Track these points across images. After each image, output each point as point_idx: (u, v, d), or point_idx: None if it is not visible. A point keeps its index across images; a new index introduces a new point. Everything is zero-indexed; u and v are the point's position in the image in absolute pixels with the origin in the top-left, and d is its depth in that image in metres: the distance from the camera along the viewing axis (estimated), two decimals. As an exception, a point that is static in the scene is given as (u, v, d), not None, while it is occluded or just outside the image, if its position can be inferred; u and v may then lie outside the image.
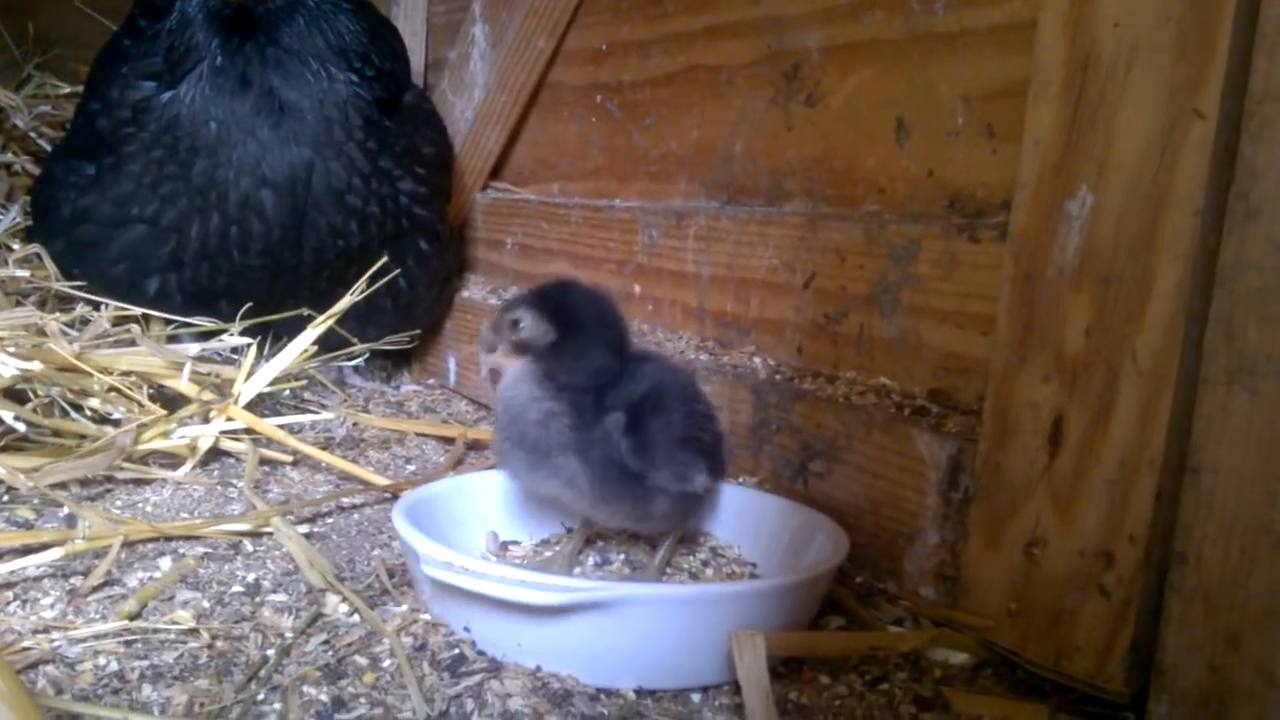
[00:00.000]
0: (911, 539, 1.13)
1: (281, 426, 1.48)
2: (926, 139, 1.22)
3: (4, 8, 2.51)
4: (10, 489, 1.26)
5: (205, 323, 1.63)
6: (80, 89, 2.49)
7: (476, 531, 1.20)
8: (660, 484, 1.07)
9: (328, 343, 1.63)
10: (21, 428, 1.23)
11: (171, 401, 1.50)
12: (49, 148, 2.23)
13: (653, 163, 1.71)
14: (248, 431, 1.48)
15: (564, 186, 1.97)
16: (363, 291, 1.58)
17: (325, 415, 1.62)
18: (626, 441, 1.06)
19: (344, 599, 1.05)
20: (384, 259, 1.64)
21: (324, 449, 1.51)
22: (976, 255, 1.12)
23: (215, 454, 1.50)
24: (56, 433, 1.36)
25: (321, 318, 1.55)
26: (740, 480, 1.35)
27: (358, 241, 1.69)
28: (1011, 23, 1.09)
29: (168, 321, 1.67)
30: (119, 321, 1.60)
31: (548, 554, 1.20)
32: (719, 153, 1.56)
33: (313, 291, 1.71)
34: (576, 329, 1.09)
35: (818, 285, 1.34)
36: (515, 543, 1.22)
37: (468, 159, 2.08)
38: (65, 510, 1.21)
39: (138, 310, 1.62)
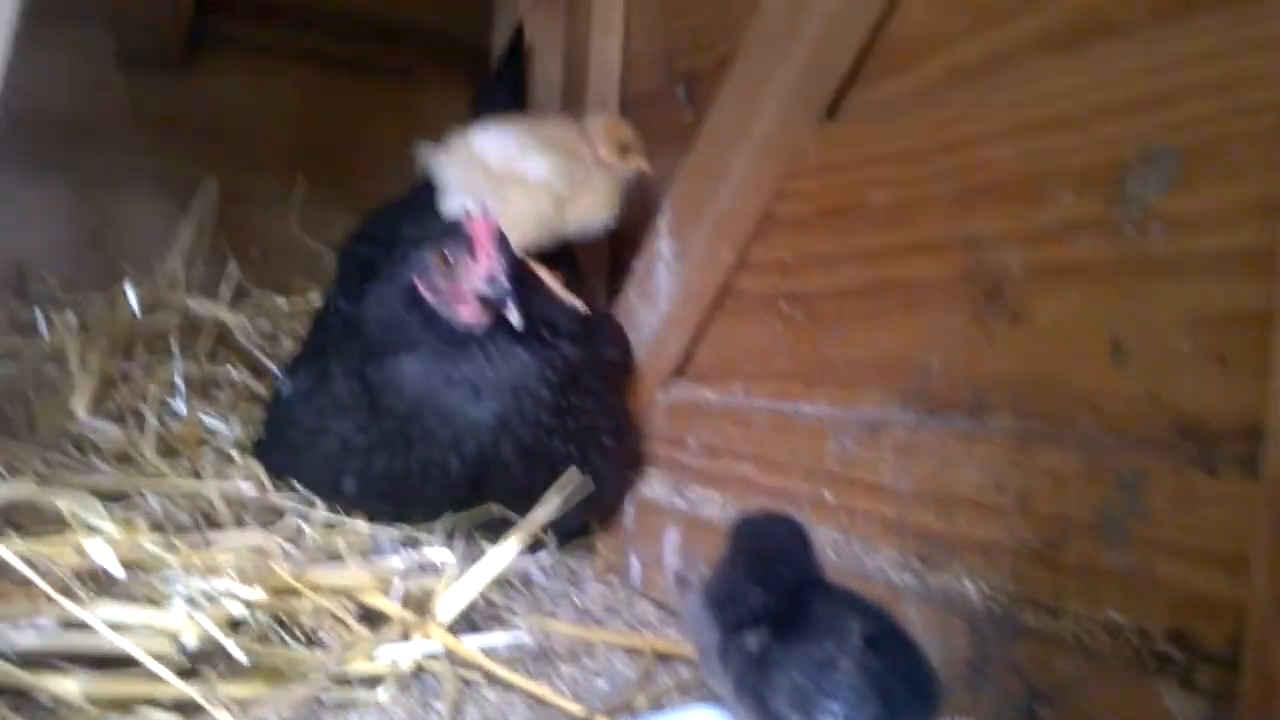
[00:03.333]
0: (1166, 808, 1.02)
1: (481, 649, 1.48)
2: (1147, 362, 1.17)
3: (230, 228, 2.76)
4: None
5: (403, 530, 1.70)
6: (294, 300, 2.73)
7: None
8: (779, 712, 1.03)
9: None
10: (244, 659, 1.26)
11: (369, 616, 1.54)
12: (266, 360, 2.41)
13: (841, 370, 1.70)
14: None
15: (748, 387, 1.97)
16: (555, 505, 1.60)
17: (517, 633, 1.62)
18: (751, 658, 1.07)
19: None
20: (573, 470, 1.67)
21: (516, 660, 1.51)
22: (1215, 488, 1.05)
23: (413, 670, 1.51)
24: (267, 655, 1.40)
25: (514, 535, 1.57)
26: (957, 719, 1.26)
27: (544, 478, 1.71)
28: (1243, 250, 1.05)
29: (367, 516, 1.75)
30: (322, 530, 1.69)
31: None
32: (913, 364, 1.54)
33: (501, 499, 1.77)
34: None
35: (1032, 509, 1.27)
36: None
37: (652, 361, 2.13)
38: (277, 743, 1.24)
39: (334, 516, 1.71)
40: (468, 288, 1.61)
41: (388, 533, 1.76)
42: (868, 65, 1.73)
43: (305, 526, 1.63)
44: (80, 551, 1.19)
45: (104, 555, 1.14)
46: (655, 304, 2.10)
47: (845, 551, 1.54)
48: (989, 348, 1.41)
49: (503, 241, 1.62)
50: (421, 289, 1.64)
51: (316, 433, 1.77)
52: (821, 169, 1.77)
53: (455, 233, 1.65)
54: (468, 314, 1.63)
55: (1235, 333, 1.06)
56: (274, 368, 2.40)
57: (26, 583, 1.21)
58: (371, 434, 1.71)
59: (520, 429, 1.68)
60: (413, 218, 2.07)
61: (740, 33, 2.08)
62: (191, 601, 1.30)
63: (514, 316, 1.57)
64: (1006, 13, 1.47)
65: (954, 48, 1.56)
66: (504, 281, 1.59)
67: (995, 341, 1.40)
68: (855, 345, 1.67)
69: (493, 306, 1.61)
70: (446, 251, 1.61)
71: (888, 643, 1.11)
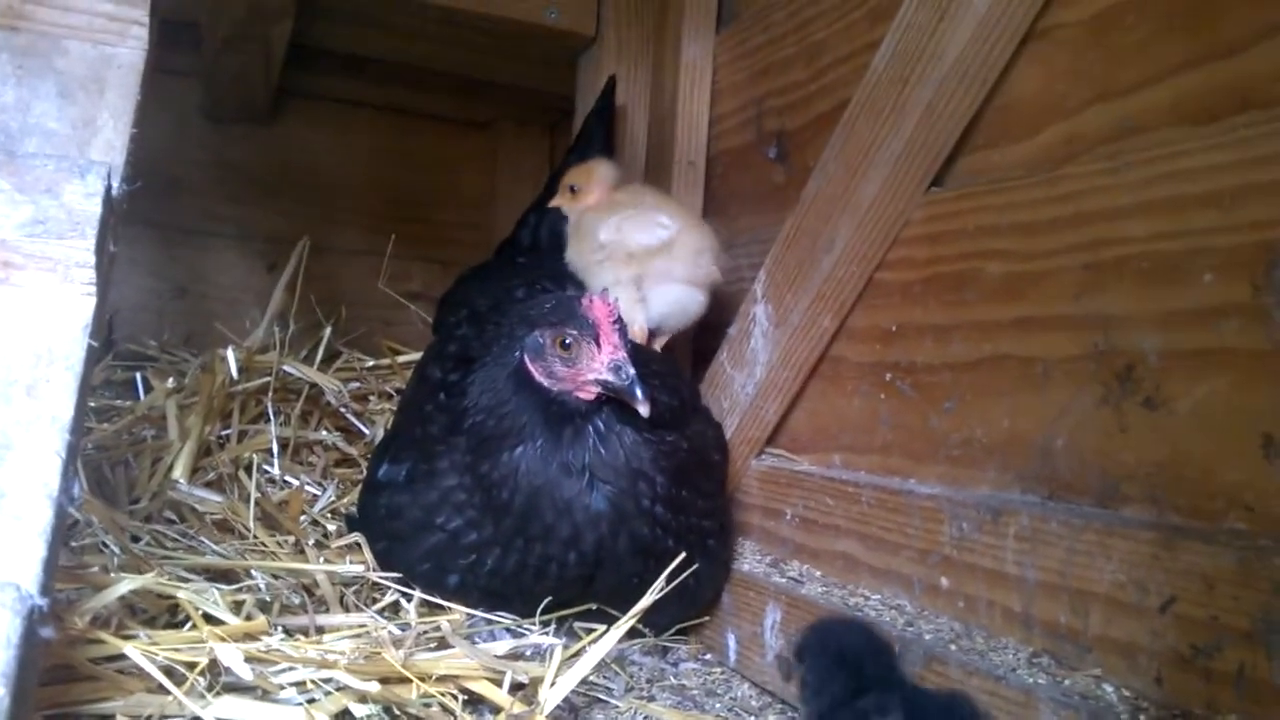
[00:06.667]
0: None
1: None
2: (1308, 460, 1.11)
3: (313, 280, 2.74)
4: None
5: (504, 619, 1.70)
6: (382, 362, 2.73)
7: None
8: None
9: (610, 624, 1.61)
10: (363, 758, 1.25)
11: (471, 701, 1.50)
12: (356, 421, 2.41)
13: (954, 447, 1.65)
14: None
15: (847, 459, 1.93)
16: (660, 590, 1.56)
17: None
18: None
19: None
20: (679, 557, 1.62)
21: (620, 750, 1.47)
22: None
23: (516, 758, 1.48)
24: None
25: (620, 623, 1.53)
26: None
27: (652, 578, 1.60)
28: None
29: (468, 614, 1.71)
30: (423, 614, 1.66)
31: None
32: (1036, 445, 1.49)
33: (606, 598, 1.72)
34: None
35: (1179, 611, 1.21)
36: None
37: (745, 430, 2.08)
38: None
39: (439, 600, 1.69)
40: (590, 375, 1.57)
41: (486, 616, 1.73)
42: (977, 133, 1.69)
43: (408, 607, 1.61)
44: (205, 649, 1.18)
45: (232, 658, 1.13)
46: (750, 370, 2.06)
47: (964, 644, 1.48)
48: (1121, 434, 1.35)
49: (622, 327, 1.60)
50: (534, 373, 1.60)
51: (423, 528, 1.72)
52: (930, 238, 1.73)
53: (567, 315, 1.61)
54: (585, 398, 1.60)
55: None
56: (365, 430, 2.40)
57: (146, 677, 1.20)
58: (484, 532, 1.66)
59: (636, 521, 1.64)
60: (514, 285, 2.07)
61: (837, 93, 2.05)
62: (306, 693, 1.28)
63: (643, 407, 1.54)
64: (1133, 83, 1.42)
65: (1073, 117, 1.51)
66: (630, 370, 1.55)
67: (1129, 427, 1.34)
68: (969, 422, 1.62)
69: (614, 393, 1.59)
70: (567, 337, 1.58)
71: None
